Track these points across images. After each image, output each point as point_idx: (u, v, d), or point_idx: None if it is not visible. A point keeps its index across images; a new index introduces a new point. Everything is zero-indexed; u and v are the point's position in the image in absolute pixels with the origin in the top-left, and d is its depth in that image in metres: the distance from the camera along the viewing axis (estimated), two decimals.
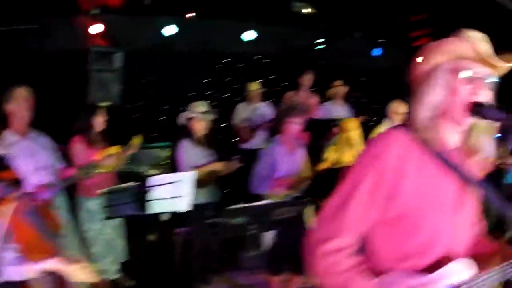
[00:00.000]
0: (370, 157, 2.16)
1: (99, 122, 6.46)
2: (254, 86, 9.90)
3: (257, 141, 9.51)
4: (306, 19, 11.80)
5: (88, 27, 10.03)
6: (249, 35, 11.73)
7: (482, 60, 2.10)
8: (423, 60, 2.23)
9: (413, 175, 2.10)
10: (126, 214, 5.78)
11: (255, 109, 9.86)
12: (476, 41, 2.12)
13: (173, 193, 5.58)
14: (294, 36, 12.39)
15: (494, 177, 8.88)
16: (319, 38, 12.63)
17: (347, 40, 12.36)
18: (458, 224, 2.21)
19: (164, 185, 5.52)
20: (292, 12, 11.47)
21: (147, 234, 6.19)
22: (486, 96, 2.15)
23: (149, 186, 5.52)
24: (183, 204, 5.67)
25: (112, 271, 6.47)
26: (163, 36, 10.96)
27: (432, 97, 2.15)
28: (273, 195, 6.32)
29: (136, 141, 6.64)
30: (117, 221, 6.36)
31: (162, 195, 5.54)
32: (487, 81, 2.15)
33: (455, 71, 2.13)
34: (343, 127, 6.82)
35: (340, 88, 10.12)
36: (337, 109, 9.90)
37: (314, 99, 10.09)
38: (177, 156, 6.83)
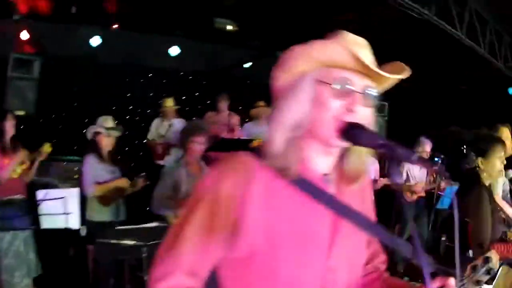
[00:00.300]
0: (203, 186, 1.79)
1: (8, 128, 6.20)
2: (169, 103, 9.80)
3: (172, 158, 9.27)
4: (232, 37, 11.76)
5: (10, 33, 9.83)
6: (175, 50, 11.68)
7: (360, 69, 1.74)
8: (285, 68, 1.81)
9: (260, 207, 1.70)
10: (14, 227, 5.63)
11: (171, 125, 9.75)
12: (354, 46, 1.72)
13: (63, 209, 5.46)
14: (220, 54, 12.39)
15: (428, 203, 9.12)
16: (245, 56, 12.65)
17: (273, 59, 12.28)
18: (333, 268, 1.80)
19: (51, 200, 5.42)
20: (216, 29, 11.39)
21: (62, 249, 6.03)
22: (364, 114, 1.78)
23: (38, 201, 5.40)
24: (74, 221, 5.54)
25: (23, 286, 6.20)
26: (88, 46, 10.79)
27: (294, 113, 1.76)
28: (176, 216, 6.23)
29: (46, 148, 6.52)
30: (27, 234, 6.07)
31: (52, 210, 5.42)
32: (366, 95, 1.78)
33: (325, 81, 1.74)
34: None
35: (262, 109, 10.03)
36: (259, 129, 9.83)
37: (235, 119, 10.11)
38: (82, 171, 6.68)
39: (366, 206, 2.03)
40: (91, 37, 10.66)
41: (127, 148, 11.05)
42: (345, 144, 1.78)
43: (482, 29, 9.03)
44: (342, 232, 1.83)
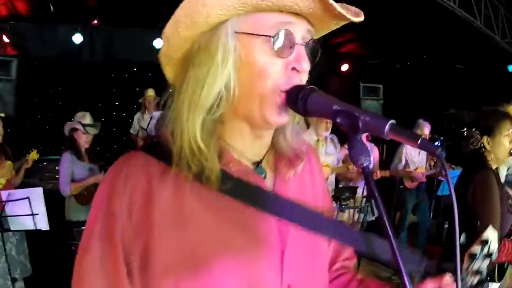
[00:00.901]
0: (99, 194, 1.36)
1: None
2: (150, 92, 9.45)
3: None
4: None
5: None
6: (160, 43, 11.09)
7: (299, 10, 1.27)
8: (186, 23, 1.29)
9: (172, 225, 1.28)
10: None
11: (152, 118, 9.38)
12: None
13: (29, 210, 5.15)
14: None
15: (429, 189, 8.72)
16: None
17: None
18: (292, 286, 1.36)
19: (15, 201, 5.14)
20: None
21: (52, 249, 5.97)
22: (306, 72, 1.33)
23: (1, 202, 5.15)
24: (42, 222, 5.21)
25: None
26: (70, 44, 10.47)
27: (210, 87, 1.27)
28: None
29: (32, 155, 6.41)
30: (18, 237, 5.83)
31: (18, 211, 5.14)
32: (308, 45, 1.34)
33: (253, 33, 1.27)
34: None
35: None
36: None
37: None
38: (59, 169, 6.37)
39: (317, 193, 1.60)
40: (72, 34, 10.34)
41: (115, 145, 10.93)
42: (286, 119, 1.33)
43: (477, 3, 8.60)
44: (292, 238, 1.39)
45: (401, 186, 8.89)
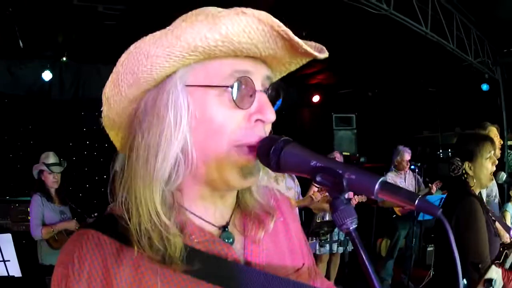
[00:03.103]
0: (54, 279, 1.20)
1: None
2: None
3: None
4: None
5: None
6: None
7: (254, 53, 1.12)
8: (128, 81, 1.16)
9: None
10: None
11: None
12: (235, 17, 1.07)
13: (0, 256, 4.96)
14: None
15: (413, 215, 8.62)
16: None
17: None
18: None
19: None
20: None
21: None
22: (271, 120, 1.19)
23: None
24: (14, 269, 5.02)
25: None
26: (40, 81, 10.29)
27: (163, 154, 1.14)
28: None
29: None
30: None
31: None
32: (269, 91, 1.22)
33: (205, 84, 1.14)
34: None
35: None
36: None
37: None
38: (30, 211, 6.23)
39: (293, 245, 1.45)
40: (42, 71, 10.13)
41: (87, 185, 10.75)
42: (254, 180, 1.20)
43: (448, 25, 8.59)
44: None
45: (394, 216, 8.78)
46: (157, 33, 1.10)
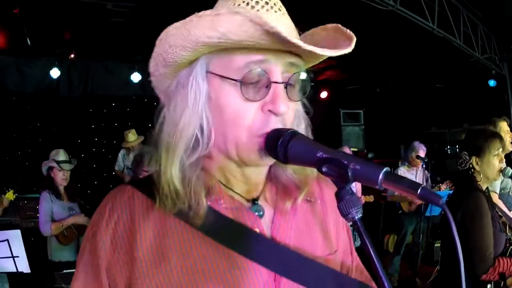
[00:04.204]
0: (89, 226, 1.32)
1: None
2: (131, 137, 9.45)
3: None
4: None
5: None
6: (137, 77, 11.04)
7: (276, 46, 1.14)
8: (162, 61, 1.24)
9: (150, 256, 1.21)
10: None
11: None
12: (259, 11, 1.16)
13: (9, 252, 4.96)
14: None
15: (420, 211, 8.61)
16: None
17: None
18: None
19: None
20: None
21: None
22: (289, 112, 1.22)
23: None
24: (23, 265, 5.02)
25: None
26: (48, 78, 10.34)
27: (185, 128, 1.20)
28: None
29: (8, 196, 6.27)
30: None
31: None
32: (291, 84, 1.22)
33: (224, 75, 1.19)
34: None
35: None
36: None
37: None
38: (38, 208, 6.22)
39: (327, 220, 1.46)
40: (50, 69, 10.19)
41: (95, 182, 10.76)
42: (271, 160, 1.22)
43: (455, 21, 8.59)
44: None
45: (400, 212, 8.76)
46: (178, 23, 1.15)
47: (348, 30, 1.24)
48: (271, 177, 1.37)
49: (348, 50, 1.21)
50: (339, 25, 1.26)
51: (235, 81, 1.17)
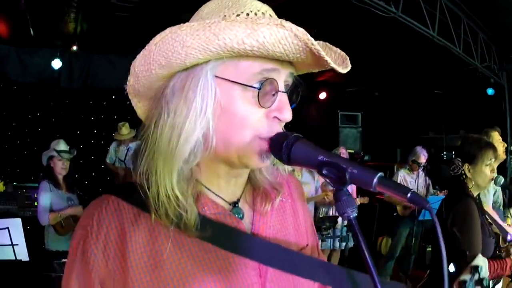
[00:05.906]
0: (74, 240, 1.30)
1: None
2: (124, 131, 9.57)
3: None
4: None
5: None
6: None
7: (279, 55, 1.18)
8: (153, 61, 1.22)
9: (143, 264, 1.24)
10: None
11: (128, 149, 9.57)
12: (273, 28, 1.14)
13: (9, 240, 5.05)
14: None
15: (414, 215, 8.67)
16: None
17: None
18: None
19: None
20: None
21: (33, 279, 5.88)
22: (289, 117, 1.27)
23: None
24: (22, 253, 5.12)
25: None
26: (49, 69, 10.32)
27: (187, 135, 1.21)
28: None
29: None
30: None
31: None
32: (292, 91, 1.31)
33: (232, 80, 1.21)
34: None
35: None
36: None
37: None
38: (37, 197, 6.30)
39: (298, 222, 1.56)
40: (52, 60, 10.19)
41: (93, 173, 10.78)
42: (268, 162, 1.28)
43: (455, 29, 8.65)
44: (271, 279, 1.35)
45: (395, 214, 8.82)
46: (195, 24, 1.15)
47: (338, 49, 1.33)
48: (249, 180, 1.44)
49: (347, 68, 1.30)
50: (327, 43, 1.33)
51: (253, 88, 1.21)
